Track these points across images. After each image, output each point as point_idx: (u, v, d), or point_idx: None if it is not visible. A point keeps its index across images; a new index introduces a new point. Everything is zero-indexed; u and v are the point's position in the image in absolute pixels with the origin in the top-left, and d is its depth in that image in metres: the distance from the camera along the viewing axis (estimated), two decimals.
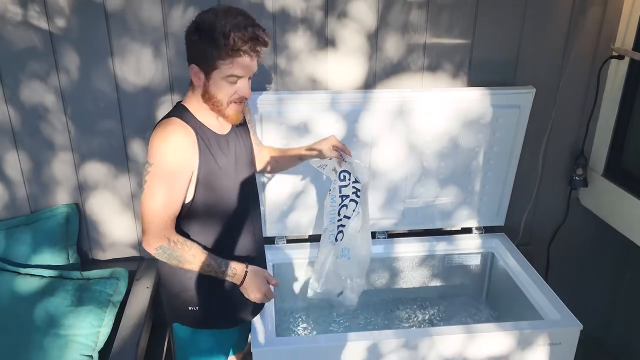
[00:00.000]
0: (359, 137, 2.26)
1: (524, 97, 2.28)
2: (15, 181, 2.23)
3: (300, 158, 2.00)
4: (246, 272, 1.74)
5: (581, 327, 1.98)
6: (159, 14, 2.06)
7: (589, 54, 2.35)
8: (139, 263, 2.39)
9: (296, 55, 2.20)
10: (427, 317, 2.49)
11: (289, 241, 2.47)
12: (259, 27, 1.59)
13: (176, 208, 1.67)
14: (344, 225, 1.96)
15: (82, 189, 2.28)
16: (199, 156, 1.66)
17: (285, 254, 2.41)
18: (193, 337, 1.87)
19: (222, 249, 1.76)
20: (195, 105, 1.69)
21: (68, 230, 2.27)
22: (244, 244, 1.83)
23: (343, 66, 2.24)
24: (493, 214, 2.52)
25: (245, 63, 1.60)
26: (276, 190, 2.32)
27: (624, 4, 2.27)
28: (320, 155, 1.94)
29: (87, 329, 2.06)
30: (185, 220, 1.71)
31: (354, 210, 1.95)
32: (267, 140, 2.21)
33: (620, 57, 2.31)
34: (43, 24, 2.03)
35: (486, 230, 2.55)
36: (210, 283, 1.79)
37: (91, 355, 2.04)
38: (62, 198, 2.29)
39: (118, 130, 2.21)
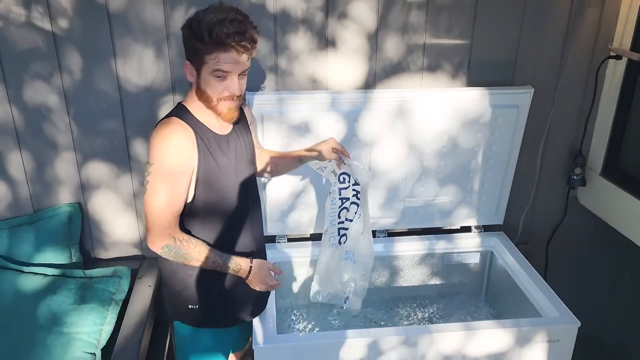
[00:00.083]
0: (359, 137, 2.28)
1: (522, 97, 2.29)
2: (18, 181, 2.25)
3: (300, 160, 2.01)
4: (251, 267, 1.78)
5: (579, 324, 1.99)
6: (161, 14, 2.08)
7: (587, 54, 2.36)
8: (141, 262, 2.40)
9: (297, 55, 2.21)
10: (426, 315, 2.50)
11: (290, 240, 2.49)
12: (247, 23, 1.58)
13: (179, 206, 1.68)
14: (346, 228, 1.96)
15: (84, 188, 2.30)
16: (198, 155, 1.67)
17: (286, 252, 2.43)
18: (193, 335, 1.88)
19: (221, 248, 1.77)
20: (196, 105, 1.70)
21: (71, 229, 2.28)
22: (243, 243, 1.84)
23: (343, 66, 2.26)
24: (492, 213, 2.53)
25: (231, 58, 1.58)
26: (277, 190, 2.33)
27: (621, 4, 2.29)
28: (320, 156, 1.95)
29: (90, 327, 2.08)
30: (185, 219, 1.73)
31: (355, 213, 1.95)
32: (268, 139, 2.22)
33: (618, 57, 2.32)
34: (46, 25, 2.04)
35: (485, 229, 2.57)
36: (210, 282, 1.80)
37: (94, 353, 2.06)
38: (64, 197, 2.31)
39: (120, 130, 2.23)
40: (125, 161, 2.28)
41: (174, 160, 1.64)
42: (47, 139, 2.20)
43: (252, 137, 1.91)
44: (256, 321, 1.97)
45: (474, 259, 2.56)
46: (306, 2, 2.14)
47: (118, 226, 2.39)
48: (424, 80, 2.32)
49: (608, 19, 2.31)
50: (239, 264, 1.76)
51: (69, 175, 2.27)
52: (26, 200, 2.28)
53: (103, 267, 2.27)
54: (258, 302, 1.97)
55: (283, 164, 2.04)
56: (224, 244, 1.79)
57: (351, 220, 1.96)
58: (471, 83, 2.34)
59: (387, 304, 2.54)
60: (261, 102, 2.17)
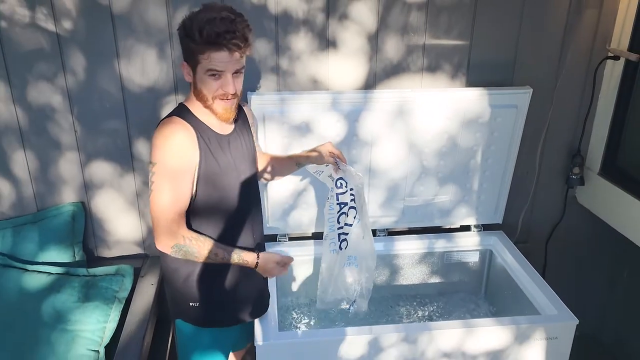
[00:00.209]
0: (360, 137, 2.30)
1: (521, 97, 2.31)
2: (22, 180, 2.27)
3: (297, 164, 2.01)
4: (257, 262, 1.81)
5: (577, 322, 2.01)
6: (163, 15, 2.10)
7: (585, 54, 2.38)
8: (143, 260, 2.42)
9: (298, 56, 2.23)
10: (426, 313, 2.52)
11: (291, 239, 2.50)
12: (238, 21, 1.58)
13: (184, 204, 1.69)
14: (346, 234, 1.97)
15: (87, 187, 2.32)
16: (199, 154, 1.68)
17: (287, 251, 2.43)
18: (194, 334, 1.89)
19: None
20: (196, 105, 1.71)
21: (74, 228, 2.30)
22: (243, 241, 1.85)
23: (344, 67, 2.27)
24: (491, 212, 2.55)
25: (223, 56, 1.58)
26: (278, 189, 2.35)
27: (619, 5, 2.30)
28: (318, 158, 1.95)
29: (94, 325, 2.10)
30: (186, 217, 1.73)
31: (354, 217, 1.96)
32: (270, 139, 2.24)
33: (616, 57, 2.33)
34: (50, 25, 2.06)
35: (484, 228, 2.58)
36: (211, 280, 1.82)
37: (97, 350, 2.07)
38: (68, 196, 2.32)
39: (123, 130, 2.24)
40: (128, 161, 2.30)
41: (177, 159, 1.65)
42: (51, 138, 2.22)
43: (253, 138, 1.92)
44: (257, 319, 1.98)
45: (473, 258, 2.58)
46: (307, 3, 2.16)
47: (121, 225, 2.40)
48: (424, 80, 2.34)
49: (606, 20, 2.33)
50: (245, 260, 1.79)
51: (72, 174, 2.29)
52: (30, 200, 2.30)
53: (106, 265, 2.29)
54: (258, 302, 1.98)
55: (280, 167, 2.05)
56: (224, 243, 1.80)
57: (350, 225, 1.96)
58: (470, 83, 2.36)
59: (387, 303, 2.55)
60: (262, 103, 2.19)
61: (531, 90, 2.30)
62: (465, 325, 2.00)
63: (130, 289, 2.23)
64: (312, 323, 2.45)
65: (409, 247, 2.53)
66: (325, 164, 1.97)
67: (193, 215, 1.74)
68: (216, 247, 1.73)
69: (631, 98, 2.36)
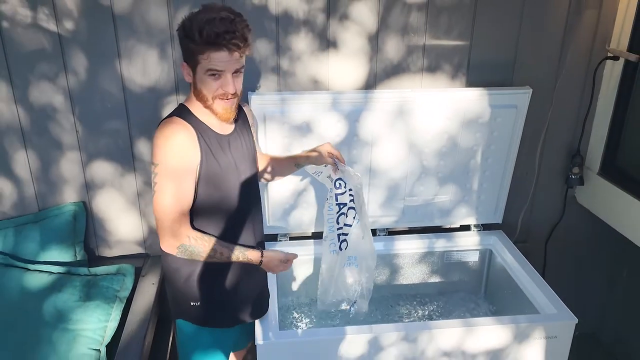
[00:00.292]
0: (360, 137, 2.30)
1: (521, 97, 2.31)
2: (24, 180, 2.27)
3: (297, 164, 2.01)
4: (261, 260, 1.82)
5: (576, 321, 2.01)
6: (165, 16, 2.10)
7: (584, 55, 2.39)
8: (144, 260, 2.43)
9: (299, 56, 2.24)
10: (426, 312, 2.53)
11: (292, 238, 2.51)
12: (238, 21, 1.59)
13: (188, 204, 1.69)
14: (346, 234, 1.97)
15: (89, 187, 2.33)
16: (200, 154, 1.69)
17: (288, 251, 2.44)
18: (195, 333, 1.90)
19: None
20: (196, 105, 1.71)
21: (75, 228, 2.31)
22: (244, 241, 1.85)
23: (344, 67, 2.28)
24: (491, 212, 2.55)
25: (223, 56, 1.59)
26: (279, 188, 2.35)
27: (618, 6, 2.31)
28: (317, 159, 1.96)
29: (95, 324, 2.11)
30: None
31: (354, 218, 1.96)
32: (270, 139, 2.25)
33: (615, 58, 2.34)
34: (52, 26, 2.07)
35: (484, 227, 2.59)
36: (212, 280, 1.83)
37: (99, 349, 2.08)
38: (69, 196, 2.33)
39: (124, 130, 2.25)
40: (130, 161, 2.30)
41: (178, 159, 1.65)
42: (53, 138, 2.23)
43: (253, 138, 1.93)
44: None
45: (473, 257, 2.59)
46: (308, 4, 2.16)
47: (122, 225, 2.41)
48: (424, 80, 2.35)
49: (605, 20, 2.33)
50: (249, 258, 1.80)
51: (73, 174, 2.30)
52: (31, 199, 2.31)
53: (107, 265, 2.29)
54: (259, 302, 1.99)
55: (280, 168, 2.05)
56: (226, 242, 1.80)
57: (350, 226, 1.96)
58: (470, 83, 2.37)
59: (387, 302, 2.56)
60: (263, 103, 2.20)
61: (531, 90, 2.31)
62: (465, 324, 2.01)
63: (131, 288, 2.24)
64: (312, 323, 2.46)
65: (409, 247, 2.54)
66: (324, 165, 1.98)
67: (194, 215, 1.74)
68: (221, 246, 1.74)
69: (630, 98, 2.36)
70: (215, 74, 1.62)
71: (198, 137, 1.68)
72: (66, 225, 2.29)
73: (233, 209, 1.80)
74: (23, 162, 2.25)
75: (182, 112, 1.72)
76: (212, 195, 1.74)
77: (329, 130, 2.26)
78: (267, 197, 2.36)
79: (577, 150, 2.54)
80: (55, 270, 2.20)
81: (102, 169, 2.30)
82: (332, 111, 2.25)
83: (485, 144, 2.38)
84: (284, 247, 2.45)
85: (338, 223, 1.98)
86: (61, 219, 2.29)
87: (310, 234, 2.53)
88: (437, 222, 2.55)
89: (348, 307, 2.09)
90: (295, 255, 1.93)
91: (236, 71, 1.65)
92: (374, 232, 2.53)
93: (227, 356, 2.00)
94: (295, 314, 2.49)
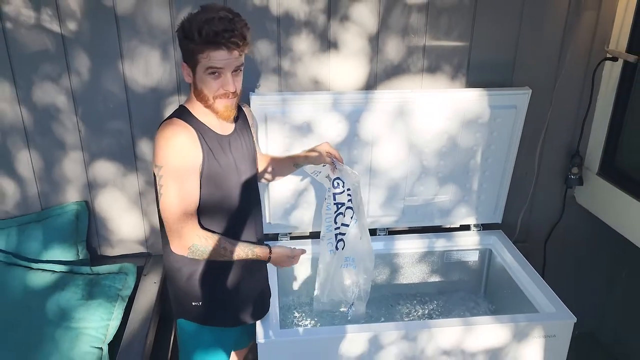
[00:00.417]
0: (360, 137, 2.31)
1: (520, 98, 2.32)
2: (27, 179, 2.29)
3: (295, 164, 2.02)
4: (269, 256, 1.84)
5: (575, 320, 2.02)
6: (167, 17, 2.12)
7: (584, 56, 2.40)
8: (146, 259, 2.44)
9: (300, 57, 2.25)
10: (426, 311, 2.54)
11: (293, 238, 2.52)
12: (236, 20, 1.60)
13: (194, 204, 1.70)
14: (343, 234, 1.97)
15: (91, 187, 2.34)
16: (202, 155, 1.69)
17: None
18: (196, 332, 1.90)
19: None
20: (196, 106, 1.72)
21: (78, 227, 2.32)
22: (245, 240, 1.86)
23: (345, 68, 2.29)
24: (490, 212, 2.56)
25: (223, 55, 1.60)
26: (279, 188, 2.36)
27: (617, 7, 2.32)
28: (316, 159, 1.96)
29: (97, 322, 2.12)
30: None
31: (351, 218, 1.96)
32: (272, 140, 2.26)
33: (614, 59, 2.35)
34: (55, 27, 2.08)
35: (484, 227, 2.60)
36: (214, 279, 1.83)
37: (101, 348, 2.09)
38: (72, 196, 2.34)
39: (127, 130, 2.27)
40: (132, 160, 2.32)
41: (180, 159, 1.66)
42: (56, 138, 2.24)
43: (253, 139, 1.93)
44: None
45: (473, 257, 2.60)
46: (309, 5, 2.18)
47: (124, 224, 2.43)
48: (424, 81, 2.36)
49: (604, 22, 2.34)
50: (258, 255, 1.81)
51: (76, 174, 2.31)
52: (34, 199, 2.32)
53: (109, 264, 2.31)
54: (260, 302, 2.00)
55: (279, 168, 2.06)
56: None
57: (347, 225, 1.96)
58: (470, 84, 2.38)
59: (387, 301, 2.57)
60: (264, 103, 2.21)
61: (530, 91, 2.32)
62: (464, 323, 2.02)
63: (133, 287, 2.25)
64: (313, 322, 2.47)
65: (409, 247, 2.55)
66: (322, 164, 1.98)
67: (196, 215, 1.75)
68: (230, 243, 1.75)
69: (629, 99, 2.37)
70: (215, 72, 1.63)
71: (199, 138, 1.69)
72: (69, 224, 2.30)
73: (234, 209, 1.81)
74: (26, 161, 2.26)
75: (182, 113, 1.73)
76: (213, 195, 1.74)
77: (329, 131, 2.27)
78: (268, 196, 2.37)
79: (576, 150, 2.55)
80: (57, 269, 2.22)
81: (104, 168, 2.32)
82: (333, 111, 2.26)
83: (485, 144, 2.39)
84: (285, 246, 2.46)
85: (336, 223, 1.98)
86: (64, 218, 2.30)
87: (310, 234, 2.54)
88: (437, 222, 2.56)
89: (345, 309, 2.10)
90: (303, 251, 1.95)
91: (236, 69, 1.66)
92: (374, 231, 2.54)
93: (229, 355, 2.01)
94: (296, 314, 2.50)
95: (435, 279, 2.62)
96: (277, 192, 2.38)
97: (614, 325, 2.87)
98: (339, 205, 1.97)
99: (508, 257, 2.43)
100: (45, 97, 2.17)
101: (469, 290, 2.64)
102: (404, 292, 2.62)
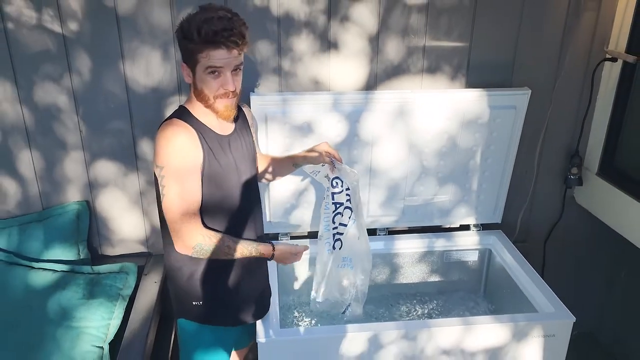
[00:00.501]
0: (361, 137, 2.32)
1: (520, 98, 2.33)
2: (28, 179, 2.30)
3: (295, 164, 2.03)
4: (273, 254, 1.85)
5: (574, 319, 2.03)
6: (168, 17, 2.12)
7: (583, 56, 2.40)
8: (147, 258, 2.45)
9: (300, 57, 2.26)
10: (426, 311, 2.54)
11: (293, 238, 2.52)
12: (235, 19, 1.61)
13: (197, 203, 1.70)
14: (341, 234, 1.97)
15: (92, 186, 2.35)
16: (202, 155, 1.70)
17: None
18: (197, 332, 1.91)
19: None
20: (196, 107, 1.73)
21: (79, 227, 2.33)
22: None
23: (345, 68, 2.30)
24: (490, 212, 2.57)
25: (222, 54, 1.61)
26: (280, 188, 2.37)
27: (617, 8, 2.32)
28: (315, 159, 1.97)
29: (98, 321, 2.12)
30: None
31: (349, 217, 1.96)
32: (272, 140, 2.26)
33: (614, 59, 2.36)
34: (57, 27, 2.09)
35: (484, 227, 2.60)
36: (215, 279, 1.84)
37: (102, 347, 2.10)
38: (73, 195, 2.35)
39: (128, 130, 2.27)
40: (132, 160, 2.32)
41: (181, 159, 1.66)
42: (57, 138, 2.25)
43: (253, 139, 1.94)
44: None
45: (472, 257, 2.60)
46: (309, 6, 2.18)
47: (125, 224, 2.43)
48: (424, 81, 2.36)
49: (604, 22, 2.35)
50: (262, 252, 1.82)
51: (77, 173, 2.32)
52: (35, 198, 2.33)
53: (110, 263, 2.31)
54: (260, 302, 2.00)
55: (278, 168, 2.06)
56: None
57: (345, 225, 1.97)
58: (470, 84, 2.38)
59: (387, 301, 2.57)
60: (264, 103, 2.21)
61: (530, 91, 2.33)
62: (464, 322, 2.02)
63: (134, 286, 2.26)
64: (313, 322, 2.47)
65: (409, 246, 2.55)
66: (321, 164, 1.99)
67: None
68: (233, 242, 1.75)
69: (629, 99, 2.37)
70: (215, 71, 1.63)
71: (199, 138, 1.70)
72: (70, 224, 2.31)
73: (234, 209, 1.81)
74: (27, 161, 2.27)
75: (182, 113, 1.74)
76: (213, 195, 1.75)
77: (329, 131, 2.28)
78: (268, 196, 2.38)
79: (575, 150, 2.55)
80: (58, 268, 2.22)
81: (105, 168, 2.32)
82: (333, 112, 2.26)
83: (485, 145, 2.40)
84: None
85: (334, 222, 1.99)
86: (65, 217, 2.31)
87: (309, 233, 2.54)
88: (436, 222, 2.57)
89: (342, 310, 2.10)
90: (306, 247, 1.95)
91: (235, 69, 1.67)
92: (374, 231, 2.54)
93: (229, 354, 2.01)
94: (296, 313, 2.51)
95: (435, 278, 2.63)
96: (278, 192, 2.38)
97: (613, 325, 2.87)
98: (338, 205, 1.98)
99: (508, 257, 2.44)
100: (47, 97, 2.18)
101: (468, 290, 2.65)
102: (404, 291, 2.62)
